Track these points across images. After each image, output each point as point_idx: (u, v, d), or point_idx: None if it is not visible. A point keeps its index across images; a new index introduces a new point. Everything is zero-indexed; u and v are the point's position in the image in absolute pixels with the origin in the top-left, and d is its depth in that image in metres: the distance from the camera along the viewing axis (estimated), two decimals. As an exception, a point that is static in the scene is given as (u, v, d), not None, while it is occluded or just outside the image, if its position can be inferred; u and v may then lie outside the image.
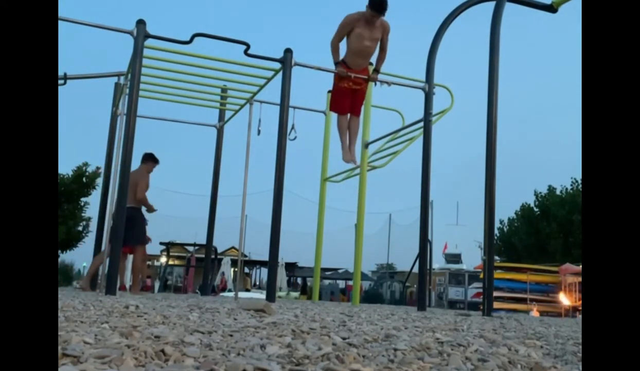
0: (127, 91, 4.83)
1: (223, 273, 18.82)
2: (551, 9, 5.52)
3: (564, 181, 22.86)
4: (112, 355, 1.08)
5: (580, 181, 17.28)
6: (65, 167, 15.59)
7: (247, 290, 17.37)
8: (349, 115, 5.41)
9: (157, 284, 18.10)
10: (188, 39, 4.83)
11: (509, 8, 5.07)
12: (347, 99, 5.23)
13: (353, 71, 5.11)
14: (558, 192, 22.25)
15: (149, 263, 22.21)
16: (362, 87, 5.29)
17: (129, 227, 5.14)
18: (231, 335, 1.51)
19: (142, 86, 5.04)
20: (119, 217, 4.48)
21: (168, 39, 4.85)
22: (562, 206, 20.99)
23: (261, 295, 10.18)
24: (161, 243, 19.17)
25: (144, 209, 6.02)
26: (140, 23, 4.65)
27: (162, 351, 1.16)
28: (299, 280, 24.06)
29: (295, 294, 18.19)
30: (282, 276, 18.95)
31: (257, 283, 24.88)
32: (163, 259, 20.43)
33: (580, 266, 12.09)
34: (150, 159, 6.08)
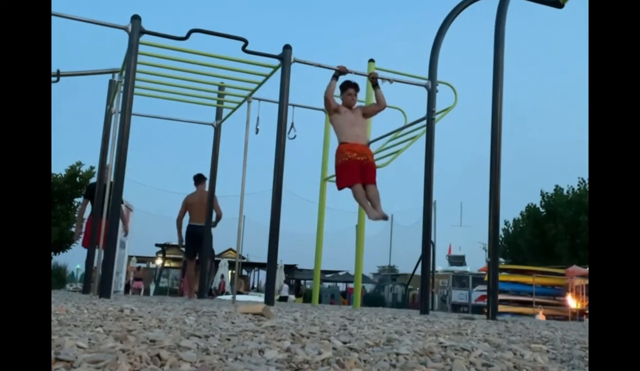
0: (122, 88, 4.77)
1: (222, 276, 18.77)
2: (557, 4, 5.46)
3: (571, 181, 22.75)
4: (106, 359, 1.07)
5: (587, 181, 17.05)
6: (59, 166, 15.47)
7: (239, 293, 17.26)
8: (362, 186, 4.82)
9: (152, 287, 18.07)
10: (184, 35, 4.77)
11: (514, 4, 5.02)
12: (355, 169, 4.74)
13: (355, 145, 4.80)
14: (565, 192, 22.15)
15: (144, 265, 22.17)
16: (369, 159, 4.89)
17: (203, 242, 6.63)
18: (229, 339, 1.48)
19: (137, 83, 4.97)
20: (114, 217, 4.46)
21: (164, 35, 4.80)
22: (569, 206, 20.89)
23: (259, 298, 10.14)
24: (157, 245, 19.10)
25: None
26: (135, 19, 4.59)
27: (158, 355, 1.15)
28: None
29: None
30: (281, 279, 18.89)
31: (255, 286, 24.78)
32: (159, 262, 20.39)
33: (587, 269, 12.01)
34: (205, 179, 7.00)
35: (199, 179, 7.00)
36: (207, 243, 6.75)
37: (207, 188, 6.96)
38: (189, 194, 7.03)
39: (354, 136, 4.85)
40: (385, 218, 5.19)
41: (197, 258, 6.92)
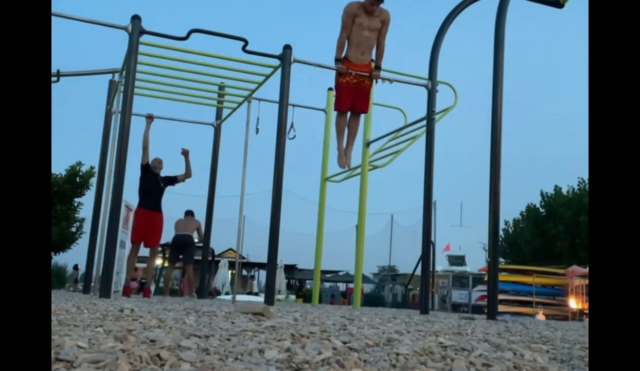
0: (122, 88, 4.76)
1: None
2: (557, 4, 5.45)
3: (570, 181, 22.68)
4: (106, 359, 1.06)
5: (587, 181, 16.98)
6: (59, 166, 15.34)
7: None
8: (349, 115, 5.14)
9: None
10: (184, 35, 4.77)
11: (514, 3, 5.01)
12: (349, 95, 4.98)
13: (355, 66, 4.96)
14: (565, 192, 22.09)
15: (144, 265, 22.12)
16: (366, 82, 5.10)
17: (189, 249, 7.61)
18: (229, 339, 1.48)
19: (137, 83, 4.97)
20: (113, 218, 4.45)
21: (164, 35, 4.78)
22: (569, 206, 20.84)
23: (259, 298, 10.16)
24: (157, 245, 19.06)
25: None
26: (136, 19, 4.57)
27: (158, 355, 1.14)
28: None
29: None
30: (281, 279, 18.82)
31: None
32: (159, 262, 20.34)
33: (587, 269, 11.99)
34: (193, 214, 8.07)
35: (188, 213, 8.06)
36: (191, 254, 7.77)
37: (195, 218, 7.93)
38: (178, 219, 7.96)
39: (359, 54, 4.98)
40: (349, 167, 5.56)
41: (179, 263, 7.84)
